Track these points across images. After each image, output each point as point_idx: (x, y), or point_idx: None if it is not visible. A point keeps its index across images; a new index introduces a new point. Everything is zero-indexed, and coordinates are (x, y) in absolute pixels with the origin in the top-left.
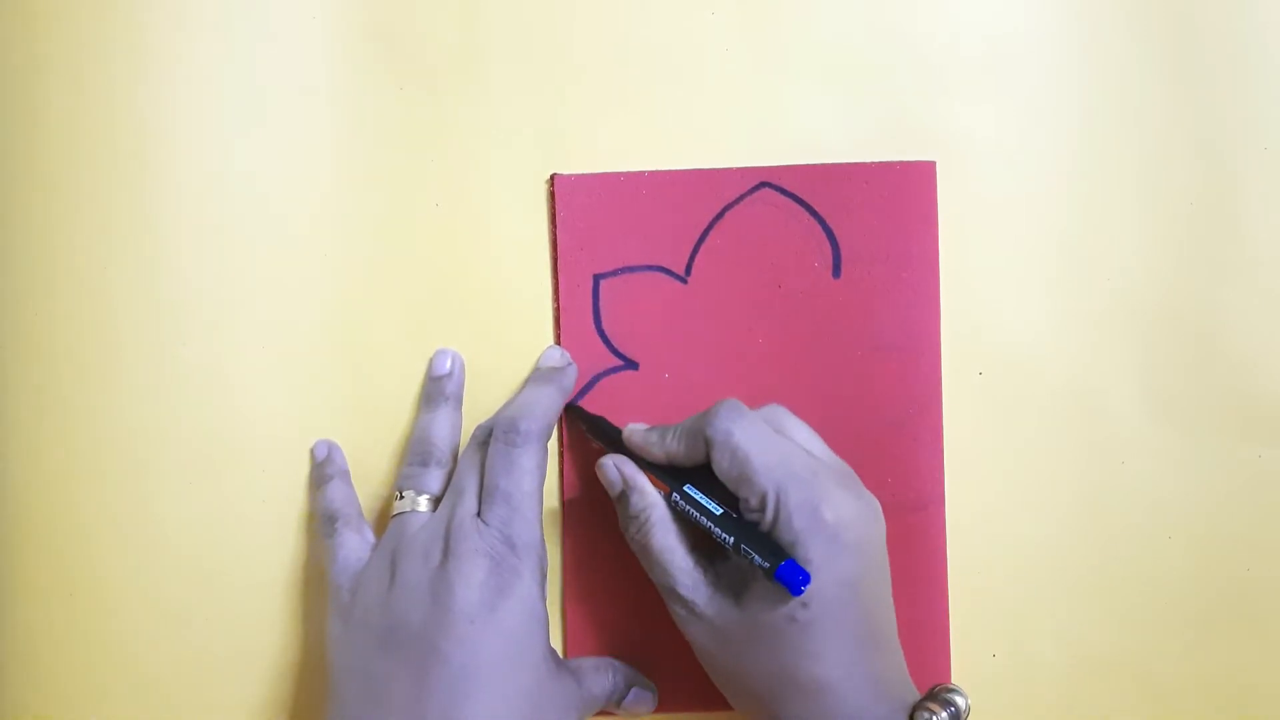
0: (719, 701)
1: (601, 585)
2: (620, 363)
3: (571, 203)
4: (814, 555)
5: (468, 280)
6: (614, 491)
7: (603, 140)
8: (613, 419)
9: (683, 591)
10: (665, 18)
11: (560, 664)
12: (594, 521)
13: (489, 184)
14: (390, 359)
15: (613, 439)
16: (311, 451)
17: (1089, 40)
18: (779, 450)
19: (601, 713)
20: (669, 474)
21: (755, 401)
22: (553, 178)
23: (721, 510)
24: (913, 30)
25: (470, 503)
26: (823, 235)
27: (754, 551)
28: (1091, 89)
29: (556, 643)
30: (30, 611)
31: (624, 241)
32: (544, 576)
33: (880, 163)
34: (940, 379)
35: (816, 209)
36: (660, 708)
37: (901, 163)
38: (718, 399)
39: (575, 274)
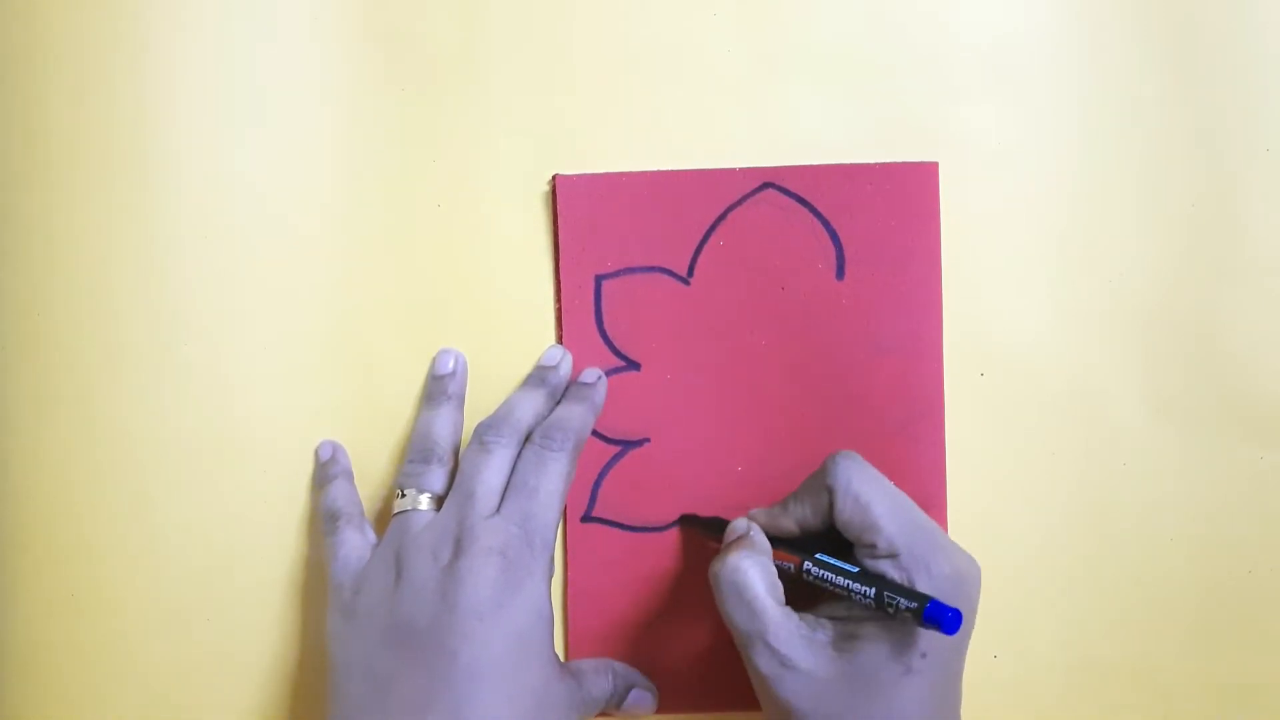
0: (719, 702)
1: (602, 586)
2: (622, 363)
3: (573, 203)
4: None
5: (469, 281)
6: (733, 537)
7: (604, 140)
8: (613, 419)
9: (772, 641)
10: (666, 18)
11: (562, 665)
12: (598, 523)
13: (490, 184)
14: (391, 359)
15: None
16: (316, 452)
17: (1090, 41)
18: (895, 497)
19: (601, 714)
20: (796, 548)
21: (757, 403)
22: (554, 178)
23: (856, 568)
24: (915, 30)
25: (480, 503)
26: (826, 236)
27: (899, 596)
28: (1093, 89)
29: (558, 644)
30: (31, 611)
31: (626, 242)
32: (550, 578)
33: (883, 163)
34: (942, 379)
35: (819, 209)
36: (660, 709)
37: (904, 163)
38: (720, 400)
39: (577, 275)
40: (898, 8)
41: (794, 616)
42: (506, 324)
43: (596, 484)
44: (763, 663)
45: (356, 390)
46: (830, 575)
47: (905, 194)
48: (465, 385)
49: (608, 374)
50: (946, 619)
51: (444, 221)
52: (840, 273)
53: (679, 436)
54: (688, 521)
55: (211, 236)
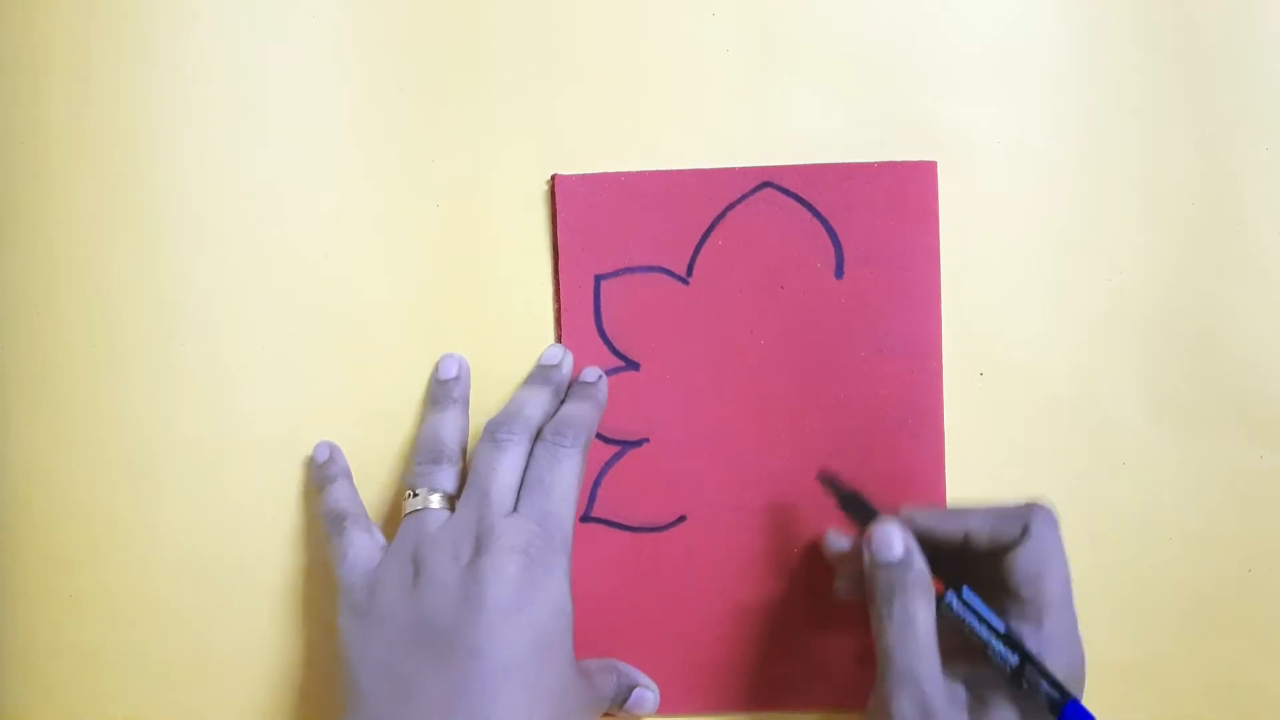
0: (719, 703)
1: (602, 587)
2: (621, 363)
3: (572, 203)
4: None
5: (468, 281)
6: (890, 556)
7: (603, 140)
8: (612, 419)
9: (928, 688)
10: (666, 18)
11: (579, 664)
12: (598, 523)
13: (490, 184)
14: (391, 359)
15: (871, 517)
16: (312, 453)
17: (1090, 40)
18: (1068, 574)
19: (604, 714)
20: (945, 571)
21: (756, 402)
22: (553, 178)
23: (1005, 627)
24: (914, 30)
25: (497, 501)
26: (825, 235)
27: (1044, 678)
28: (1092, 89)
29: None
30: (30, 611)
31: (625, 242)
32: (569, 575)
33: (882, 163)
34: (941, 379)
35: (818, 209)
36: (661, 709)
37: (903, 163)
38: (720, 399)
39: (576, 274)
40: (897, 8)
41: (943, 672)
42: (505, 323)
43: (596, 484)
44: (905, 705)
45: (356, 390)
46: (973, 620)
47: (904, 193)
48: (469, 389)
49: (607, 373)
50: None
51: (444, 221)
52: (839, 272)
53: (678, 436)
54: (828, 482)
55: (211, 237)
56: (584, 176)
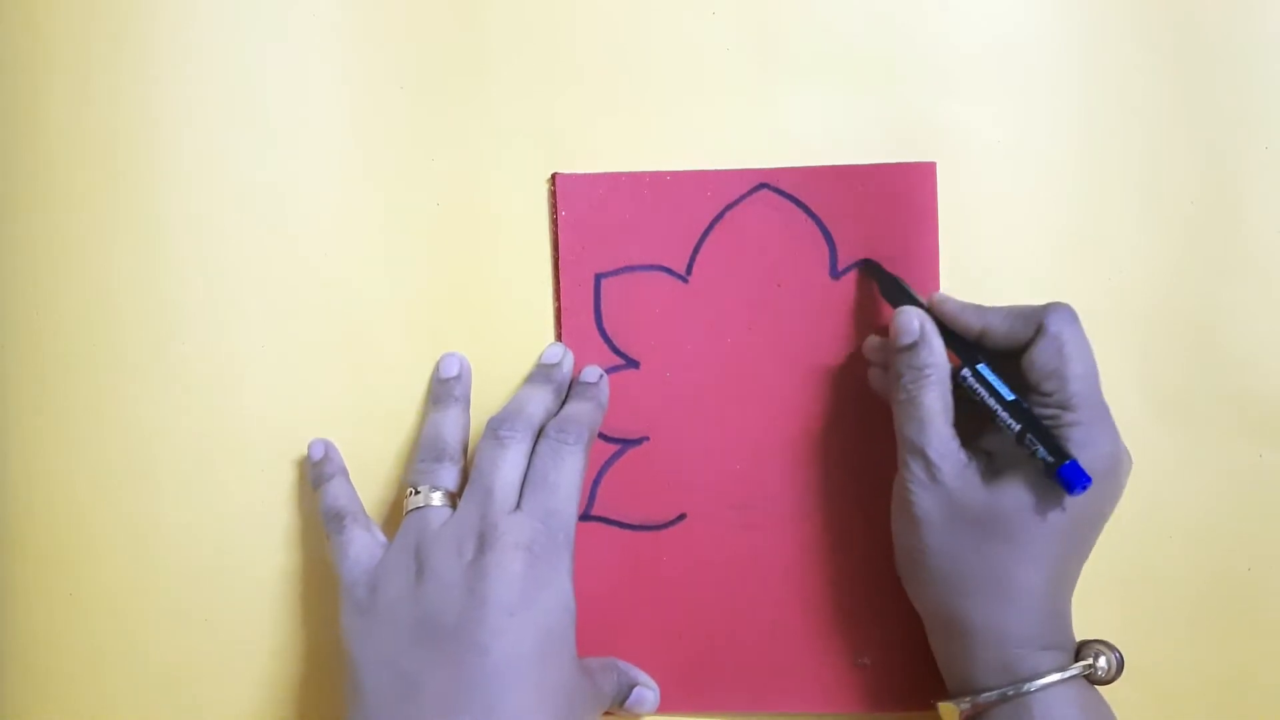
0: (719, 702)
1: (602, 585)
2: (621, 361)
3: (573, 202)
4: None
5: (469, 279)
6: (906, 340)
7: (603, 140)
8: (612, 418)
9: (933, 455)
10: (665, 18)
11: (582, 662)
12: (598, 522)
13: (490, 183)
14: (391, 358)
15: (909, 302)
16: (308, 451)
17: (1089, 40)
18: (1092, 365)
19: (605, 713)
20: (964, 351)
21: (755, 401)
22: (554, 177)
23: (1013, 397)
24: (913, 31)
25: (500, 498)
26: (819, 236)
27: (1040, 444)
28: (1091, 89)
29: None
30: (30, 611)
31: (625, 241)
32: (573, 573)
33: (876, 164)
34: None
35: (814, 211)
36: (661, 708)
37: (901, 164)
38: (719, 398)
39: (576, 273)
40: (897, 8)
41: (957, 441)
42: (506, 322)
43: (595, 482)
44: (916, 471)
45: (357, 389)
46: (983, 391)
47: (903, 194)
48: (470, 388)
49: (607, 372)
50: (1077, 481)
51: (444, 220)
52: (834, 272)
53: (677, 434)
54: (870, 269)
55: (211, 236)
56: (584, 176)
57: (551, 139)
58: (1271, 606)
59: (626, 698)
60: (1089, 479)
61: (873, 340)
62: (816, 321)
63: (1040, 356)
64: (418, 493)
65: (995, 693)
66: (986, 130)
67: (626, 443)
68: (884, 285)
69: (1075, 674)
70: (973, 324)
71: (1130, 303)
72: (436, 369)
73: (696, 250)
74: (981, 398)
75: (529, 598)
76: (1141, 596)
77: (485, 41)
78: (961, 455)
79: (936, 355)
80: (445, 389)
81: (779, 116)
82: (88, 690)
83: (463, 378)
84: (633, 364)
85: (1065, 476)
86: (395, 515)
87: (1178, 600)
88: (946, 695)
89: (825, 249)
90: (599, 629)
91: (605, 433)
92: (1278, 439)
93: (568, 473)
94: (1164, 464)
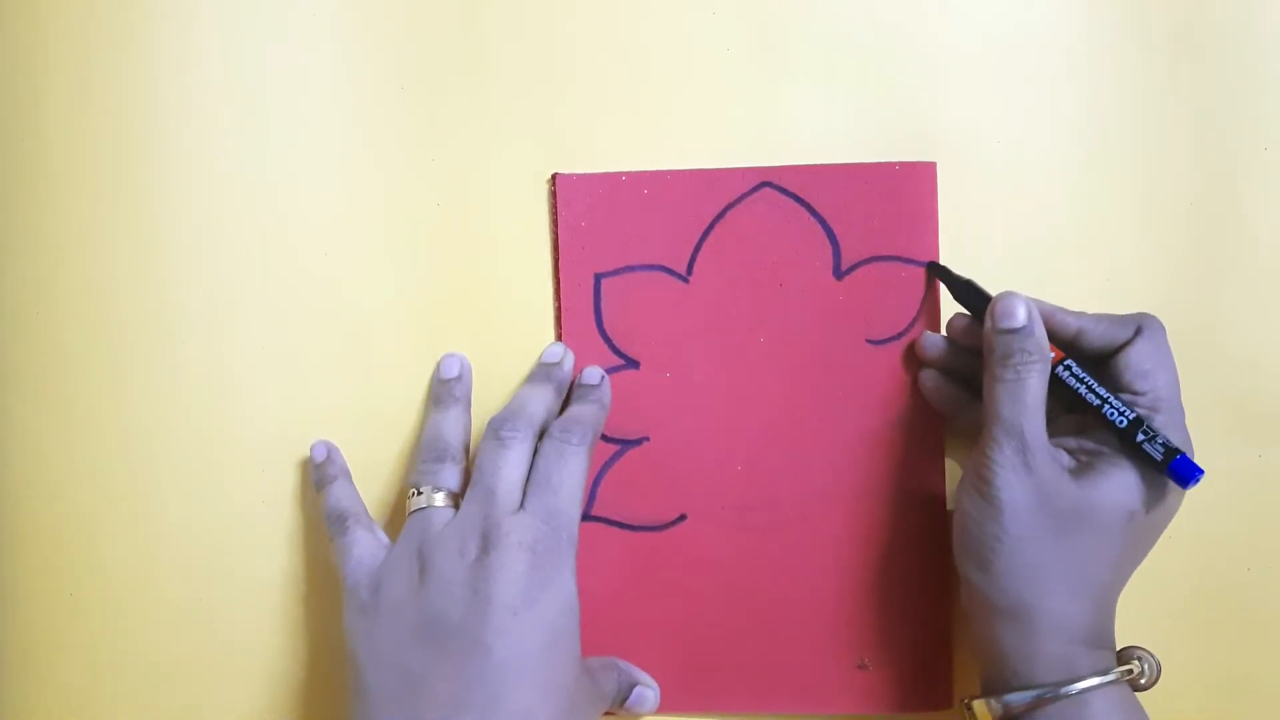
0: (719, 702)
1: (602, 585)
2: (621, 362)
3: (573, 202)
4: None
5: (469, 279)
6: (1014, 324)
7: (604, 140)
8: (613, 418)
9: (1030, 439)
10: (666, 18)
11: (585, 661)
12: (598, 522)
13: (490, 183)
14: (391, 358)
15: (985, 302)
16: (310, 453)
17: (1089, 40)
18: (1176, 377)
19: (605, 712)
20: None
21: (755, 401)
22: (554, 177)
23: (1114, 395)
24: (914, 30)
25: (503, 499)
26: (823, 235)
27: (1156, 434)
28: (1092, 89)
29: None
30: (31, 611)
31: (625, 241)
32: (576, 573)
33: (880, 163)
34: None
35: (817, 209)
36: (661, 708)
37: (902, 163)
38: (719, 398)
39: (577, 273)
40: (897, 8)
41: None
42: (506, 322)
43: (596, 483)
44: (1009, 455)
45: (357, 389)
46: (1091, 382)
47: (903, 193)
48: (471, 388)
49: (607, 372)
50: (1190, 474)
51: (444, 221)
52: (837, 271)
53: (678, 435)
54: (937, 271)
55: (211, 236)
56: (585, 176)
57: (551, 139)
58: (1271, 606)
59: (627, 697)
60: (1201, 471)
61: (933, 338)
62: (819, 321)
63: (1137, 357)
64: (420, 493)
65: (1048, 689)
66: (987, 130)
67: (627, 443)
68: (955, 288)
69: (1119, 676)
70: (1069, 324)
71: (1130, 303)
72: (437, 369)
73: (697, 250)
74: (1087, 390)
75: (532, 597)
76: (1140, 596)
77: (485, 41)
78: (1051, 449)
79: (1044, 341)
80: (446, 389)
81: (779, 117)
82: (88, 690)
83: (463, 378)
84: (633, 364)
85: (1178, 470)
86: (398, 516)
87: (1177, 600)
88: (968, 694)
89: (829, 248)
90: (600, 629)
91: (605, 433)
92: (1278, 439)
93: (571, 473)
94: None
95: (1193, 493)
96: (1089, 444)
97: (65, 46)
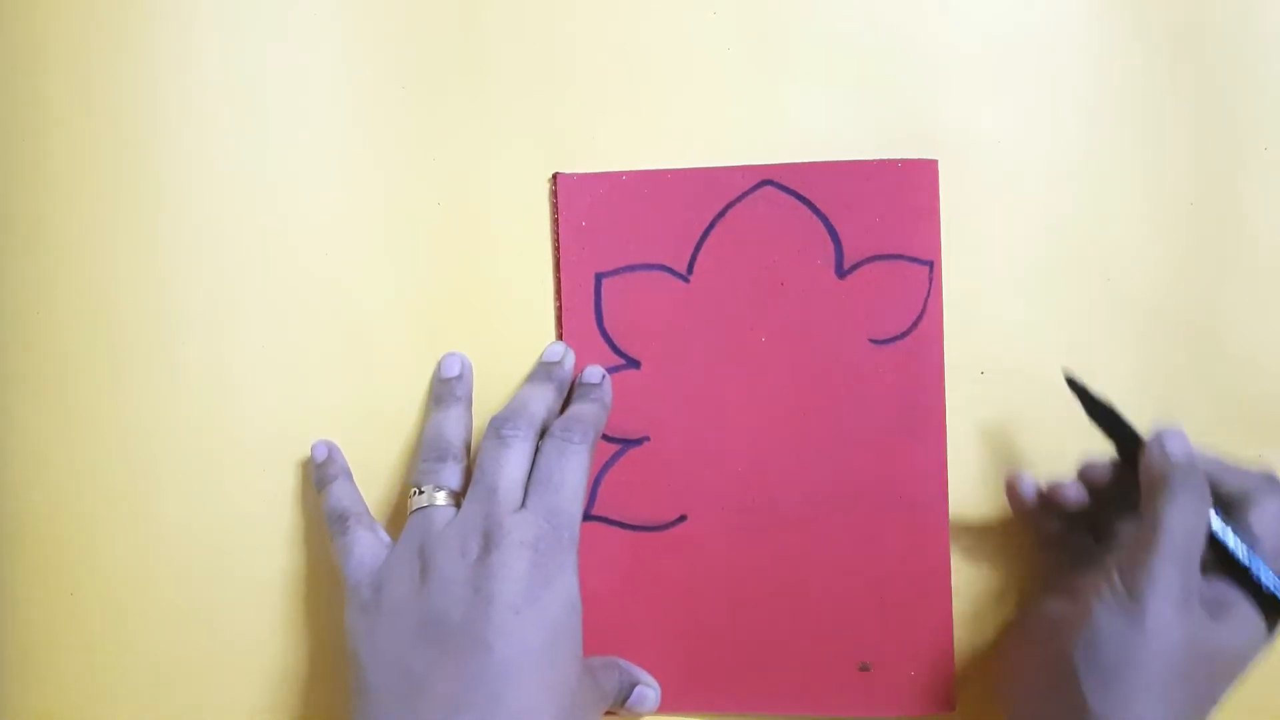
0: (719, 702)
1: (603, 585)
2: (622, 361)
3: (573, 202)
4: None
5: (469, 279)
6: (1183, 457)
7: (604, 139)
8: (613, 418)
9: (1194, 570)
10: (666, 17)
11: (586, 661)
12: (598, 522)
13: (490, 183)
14: (392, 358)
15: (1127, 437)
16: (311, 452)
17: (1090, 40)
18: None
19: (606, 712)
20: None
21: (757, 401)
22: (555, 177)
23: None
24: (915, 28)
25: (504, 497)
26: (825, 233)
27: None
28: (1093, 88)
29: None
30: (31, 611)
31: (626, 240)
32: (578, 572)
33: (882, 160)
34: (942, 378)
35: (819, 207)
36: (662, 707)
37: (903, 161)
38: (721, 398)
39: (577, 273)
40: (897, 7)
41: None
42: (506, 322)
43: (596, 482)
44: (1171, 576)
45: (357, 389)
46: (1235, 529)
47: (905, 191)
48: (472, 387)
49: (608, 371)
50: None
51: (444, 220)
52: (840, 270)
53: (679, 434)
54: (1075, 389)
55: (211, 236)
56: (585, 175)
57: (551, 139)
58: None
59: (628, 697)
60: None
61: (1078, 487)
62: (821, 320)
63: (1273, 512)
64: (421, 493)
65: None
66: (988, 128)
67: (627, 443)
68: (1089, 405)
69: None
70: (1237, 485)
71: (1130, 302)
72: (438, 369)
73: (698, 249)
74: (1233, 538)
75: (534, 596)
76: None
77: (485, 41)
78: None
79: (1207, 491)
80: (447, 388)
81: (779, 116)
82: (88, 690)
83: (464, 377)
84: (634, 364)
85: None
86: (399, 515)
87: None
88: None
89: (831, 247)
90: (600, 628)
91: (606, 433)
92: (1278, 439)
93: (573, 472)
94: None
95: None
96: (1218, 585)
97: (65, 46)
